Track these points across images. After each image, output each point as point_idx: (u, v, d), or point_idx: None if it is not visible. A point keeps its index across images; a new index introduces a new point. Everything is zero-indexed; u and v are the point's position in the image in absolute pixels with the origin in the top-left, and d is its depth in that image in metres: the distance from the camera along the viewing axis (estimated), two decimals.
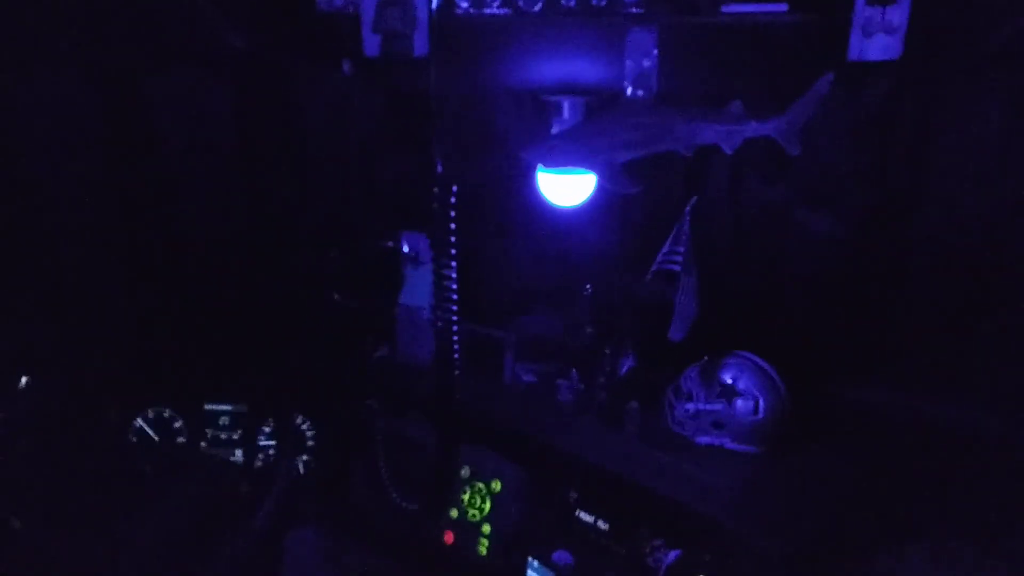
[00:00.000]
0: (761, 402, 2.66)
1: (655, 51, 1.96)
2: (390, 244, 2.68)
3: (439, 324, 2.39)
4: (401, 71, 2.00)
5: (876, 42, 1.79)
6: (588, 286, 3.02)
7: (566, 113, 2.28)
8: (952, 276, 2.72)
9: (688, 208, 2.74)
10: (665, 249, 2.84)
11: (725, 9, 1.98)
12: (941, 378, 2.69)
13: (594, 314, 3.03)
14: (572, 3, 1.98)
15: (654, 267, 2.87)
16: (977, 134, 2.59)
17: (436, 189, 1.99)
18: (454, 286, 2.20)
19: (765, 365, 2.72)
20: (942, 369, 2.69)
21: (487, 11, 2.00)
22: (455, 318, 2.33)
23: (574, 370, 2.98)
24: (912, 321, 2.79)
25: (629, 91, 2.02)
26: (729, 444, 2.67)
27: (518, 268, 3.04)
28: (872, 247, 2.82)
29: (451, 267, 2.23)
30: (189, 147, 2.73)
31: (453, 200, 2.00)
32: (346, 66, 2.01)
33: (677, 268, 2.81)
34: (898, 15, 1.77)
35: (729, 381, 2.71)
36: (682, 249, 2.79)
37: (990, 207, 2.62)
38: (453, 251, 2.10)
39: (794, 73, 2.02)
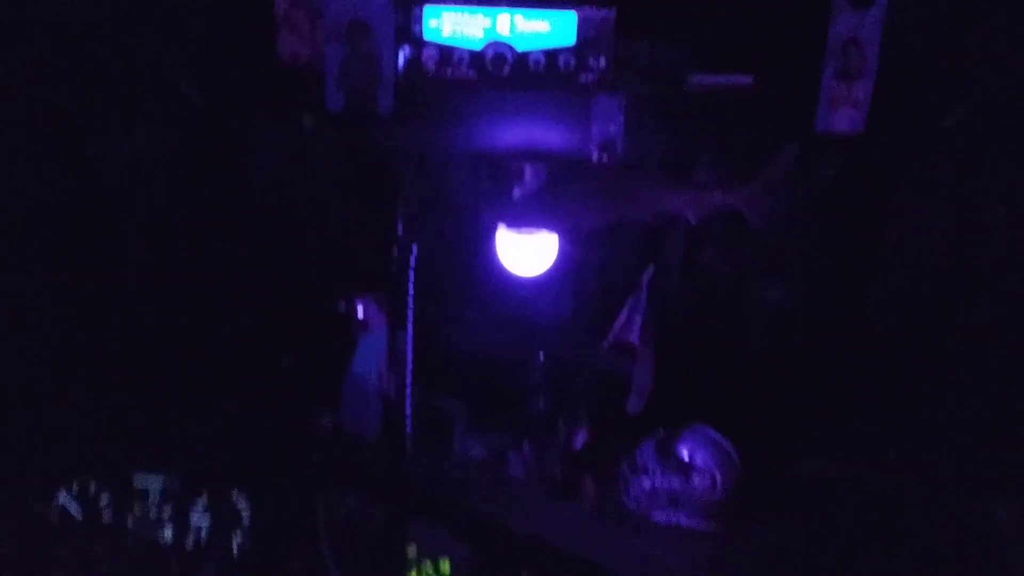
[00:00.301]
0: (718, 478, 2.60)
1: (621, 118, 1.95)
2: (341, 309, 2.57)
3: (391, 393, 2.29)
4: (364, 128, 1.94)
5: (842, 115, 1.81)
6: (541, 354, 2.93)
7: (528, 178, 2.24)
8: (907, 349, 2.75)
9: (645, 278, 2.73)
10: (622, 320, 2.80)
11: (692, 80, 1.96)
12: (897, 449, 2.70)
13: (547, 384, 2.95)
14: (540, 69, 1.95)
15: (611, 337, 2.82)
16: (931, 207, 2.65)
17: (396, 251, 1.91)
18: (409, 353, 2.10)
19: (721, 440, 2.67)
20: (898, 440, 2.71)
21: (454, 73, 1.96)
22: (408, 387, 2.23)
23: (526, 442, 2.89)
24: (867, 393, 2.80)
25: (595, 156, 1.98)
26: (685, 521, 2.60)
27: (470, 335, 2.95)
28: (828, 319, 2.83)
29: (406, 333, 2.14)
30: (135, 203, 2.61)
31: (412, 263, 1.93)
32: (306, 121, 1.94)
33: (634, 340, 2.77)
34: (863, 91, 1.78)
35: (686, 457, 2.64)
36: (639, 320, 2.76)
37: (945, 279, 2.65)
38: (410, 316, 2.01)
39: (758, 144, 2.01)
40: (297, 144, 2.14)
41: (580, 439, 2.88)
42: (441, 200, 2.41)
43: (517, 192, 2.13)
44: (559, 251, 2.40)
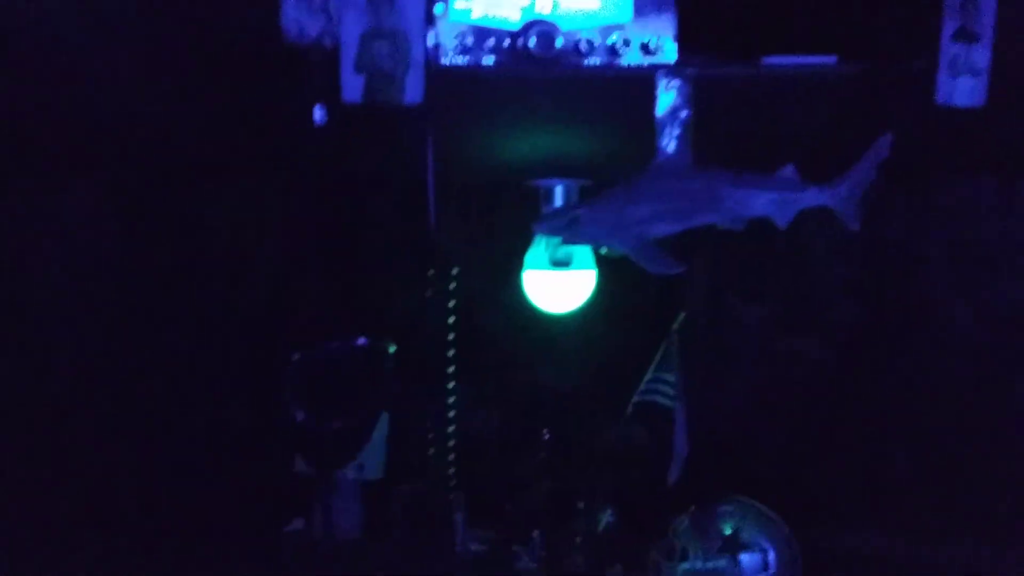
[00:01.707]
0: (771, 554, 2.37)
1: (690, 107, 1.64)
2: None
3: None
4: (388, 121, 1.57)
5: (962, 84, 1.55)
6: (546, 432, 2.62)
7: (558, 200, 1.93)
8: (952, 406, 2.55)
9: (675, 327, 2.41)
10: (649, 377, 2.50)
11: (767, 60, 1.69)
12: (941, 521, 2.51)
13: (553, 465, 2.63)
14: (593, 51, 1.64)
15: (636, 398, 2.48)
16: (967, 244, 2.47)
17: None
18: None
19: (768, 511, 2.43)
20: (942, 512, 2.52)
21: (491, 57, 1.63)
22: None
23: (536, 532, 2.55)
24: (907, 460, 2.63)
25: (662, 153, 1.66)
26: None
27: (466, 412, 2.59)
28: (864, 374, 2.62)
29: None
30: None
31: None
32: (318, 114, 1.57)
33: (666, 401, 2.43)
34: (983, 55, 1.54)
35: (730, 532, 2.38)
36: (671, 377, 2.43)
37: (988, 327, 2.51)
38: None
39: (845, 133, 1.75)
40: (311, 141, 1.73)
41: (602, 522, 2.57)
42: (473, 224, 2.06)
43: (572, 201, 1.80)
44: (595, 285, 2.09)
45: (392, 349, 2.09)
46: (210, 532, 2.54)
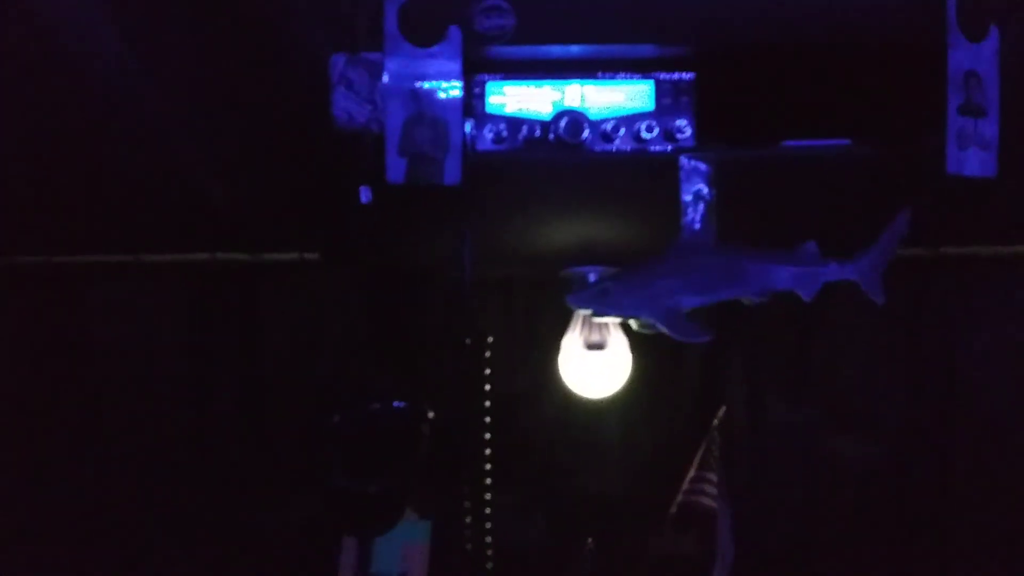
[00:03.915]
0: None
1: (712, 187, 1.73)
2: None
3: None
4: (429, 200, 1.68)
5: (973, 156, 1.61)
6: (590, 541, 2.51)
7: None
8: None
9: (716, 423, 2.40)
10: (691, 476, 2.43)
11: (787, 144, 1.78)
12: None
13: (597, 573, 2.52)
14: (619, 137, 1.76)
15: (679, 498, 2.43)
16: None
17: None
18: None
19: None
20: None
21: (524, 143, 1.75)
22: None
23: None
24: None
25: (688, 230, 1.74)
26: None
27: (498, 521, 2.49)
28: (915, 475, 2.56)
29: None
30: None
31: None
32: (364, 194, 1.69)
33: (710, 502, 2.38)
34: (990, 130, 1.61)
35: None
36: (714, 477, 2.39)
37: None
38: None
39: (863, 211, 1.81)
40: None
41: None
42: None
43: (604, 273, 1.86)
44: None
45: (431, 414, 2.11)
46: None
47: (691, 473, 2.45)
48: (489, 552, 2.49)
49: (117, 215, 2.15)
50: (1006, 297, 2.51)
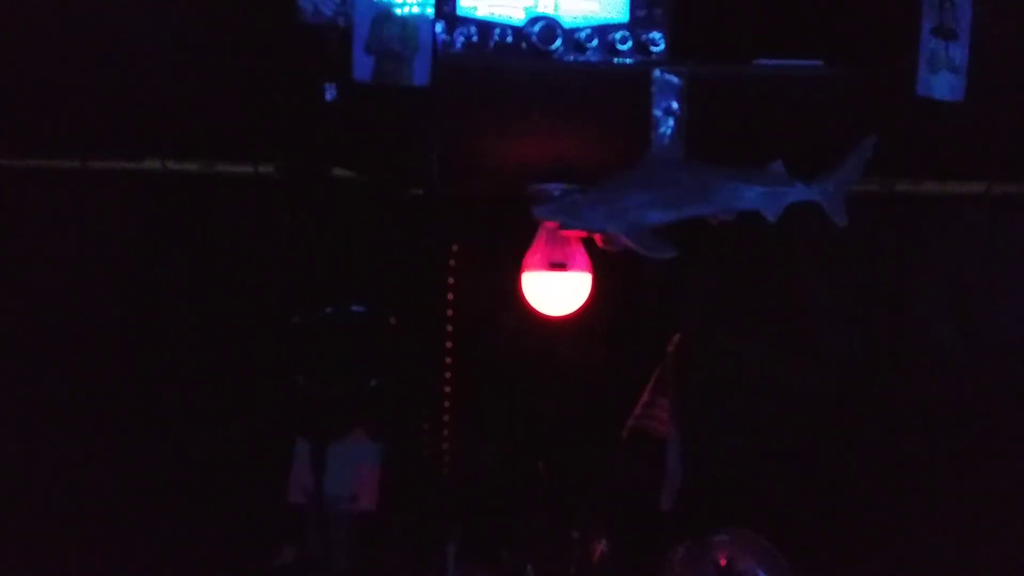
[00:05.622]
0: None
1: (682, 103, 1.71)
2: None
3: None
4: (396, 102, 1.63)
5: (942, 79, 1.62)
6: (541, 464, 2.58)
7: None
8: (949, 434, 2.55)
9: (670, 349, 2.42)
10: (644, 400, 2.46)
11: (758, 63, 1.77)
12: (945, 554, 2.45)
13: (548, 495, 2.57)
14: (592, 46, 1.72)
15: (631, 423, 2.46)
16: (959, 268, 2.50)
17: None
18: None
19: (764, 542, 2.35)
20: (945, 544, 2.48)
21: (496, 48, 1.70)
22: None
23: (530, 566, 2.47)
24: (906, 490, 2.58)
25: (656, 145, 1.72)
26: None
27: (459, 441, 2.54)
28: (861, 403, 2.62)
29: None
30: None
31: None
32: (329, 92, 1.63)
33: (661, 426, 2.41)
34: (960, 54, 1.61)
35: (725, 562, 2.30)
36: (666, 402, 2.42)
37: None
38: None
39: (832, 133, 1.81)
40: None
41: (597, 553, 2.50)
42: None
43: (570, 187, 1.84)
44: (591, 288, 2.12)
45: (392, 320, 2.09)
46: (199, 561, 2.49)
47: (644, 397, 2.47)
48: (444, 472, 2.49)
49: (62, 117, 2.05)
50: (955, 233, 2.54)
